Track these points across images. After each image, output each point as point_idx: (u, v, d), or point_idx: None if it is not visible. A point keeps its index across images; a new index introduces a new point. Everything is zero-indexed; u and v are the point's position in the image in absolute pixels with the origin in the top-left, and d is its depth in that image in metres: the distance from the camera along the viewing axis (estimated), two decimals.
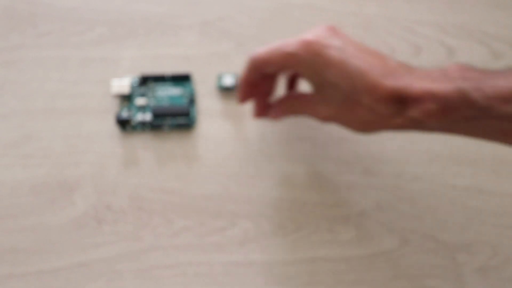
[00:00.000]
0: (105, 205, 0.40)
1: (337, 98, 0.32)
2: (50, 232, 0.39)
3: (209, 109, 0.42)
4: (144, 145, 0.41)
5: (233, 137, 0.42)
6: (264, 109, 0.38)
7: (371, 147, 0.42)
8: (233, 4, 0.44)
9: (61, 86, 0.42)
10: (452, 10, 0.44)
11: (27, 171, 0.40)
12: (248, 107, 0.42)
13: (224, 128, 0.42)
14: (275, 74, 0.36)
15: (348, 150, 0.42)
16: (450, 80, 0.29)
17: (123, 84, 0.41)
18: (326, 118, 0.34)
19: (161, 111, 0.41)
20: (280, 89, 0.42)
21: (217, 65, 0.43)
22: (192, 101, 0.42)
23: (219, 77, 0.42)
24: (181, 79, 0.42)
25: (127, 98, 0.42)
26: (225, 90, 0.42)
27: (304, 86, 0.42)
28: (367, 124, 0.32)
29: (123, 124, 0.41)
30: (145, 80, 0.42)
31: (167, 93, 0.42)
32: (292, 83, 0.39)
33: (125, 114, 0.41)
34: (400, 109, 0.30)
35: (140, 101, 0.42)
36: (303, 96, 0.35)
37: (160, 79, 0.42)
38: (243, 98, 0.37)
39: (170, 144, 0.41)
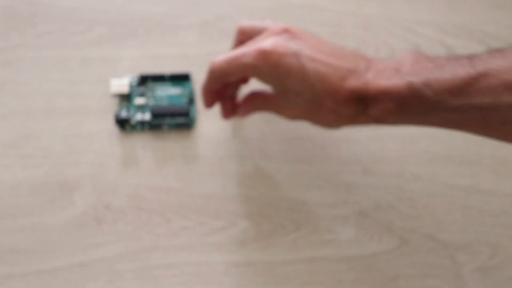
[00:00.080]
0: (104, 205, 0.40)
1: (301, 102, 0.32)
2: (49, 232, 0.39)
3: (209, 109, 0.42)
4: (144, 145, 0.41)
5: (233, 137, 0.42)
6: (232, 110, 0.38)
7: (371, 147, 0.42)
8: (232, 4, 0.44)
9: (60, 86, 0.42)
10: (452, 10, 0.44)
11: (26, 171, 0.40)
12: None
13: (223, 128, 0.42)
14: (237, 81, 0.37)
15: (348, 150, 0.42)
16: (402, 76, 0.30)
17: (122, 83, 0.41)
18: (292, 118, 0.35)
19: (161, 111, 0.41)
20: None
21: None
22: (191, 101, 0.42)
23: None
24: (181, 79, 0.42)
25: (126, 98, 0.42)
26: None
27: None
28: (333, 122, 0.33)
29: (123, 124, 0.41)
30: (145, 80, 0.42)
31: (167, 92, 0.42)
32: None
33: (124, 114, 0.41)
34: (361, 108, 0.31)
35: (139, 100, 0.41)
36: (267, 96, 0.36)
37: (159, 78, 0.42)
38: (208, 105, 0.37)
39: (169, 144, 0.41)
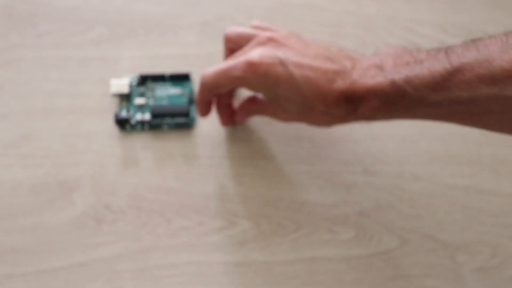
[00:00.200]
0: (104, 205, 0.40)
1: (293, 107, 0.34)
2: (49, 232, 0.39)
3: None
4: (144, 145, 0.41)
5: (233, 137, 0.42)
6: (229, 117, 0.40)
7: (371, 147, 0.42)
8: (232, 4, 0.44)
9: (60, 86, 0.42)
10: (452, 10, 0.44)
11: (26, 171, 0.40)
12: None
13: (223, 128, 0.42)
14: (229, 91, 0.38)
15: (348, 150, 0.41)
16: (385, 74, 0.30)
17: (122, 83, 0.41)
18: (286, 120, 0.36)
19: (161, 111, 0.41)
20: None
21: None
22: (191, 101, 0.42)
23: None
24: (181, 79, 0.42)
25: (126, 98, 0.42)
26: None
27: None
28: (325, 122, 0.34)
29: (122, 123, 0.41)
30: (144, 80, 0.42)
31: (167, 92, 0.42)
32: None
33: (124, 113, 0.41)
34: (351, 108, 0.32)
35: (139, 100, 0.41)
36: (262, 102, 0.37)
37: (159, 78, 0.42)
38: (203, 115, 0.38)
39: (169, 143, 0.41)
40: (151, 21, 0.44)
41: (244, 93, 0.42)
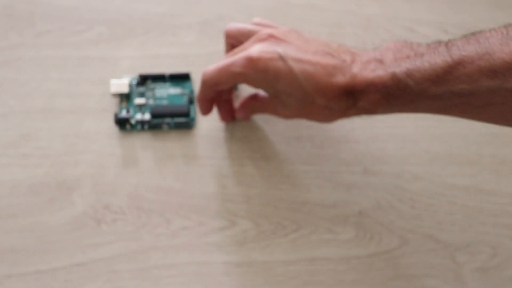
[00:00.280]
0: (104, 205, 0.40)
1: (293, 102, 0.34)
2: (48, 232, 0.39)
3: None
4: (143, 145, 0.41)
5: (233, 137, 0.42)
6: (229, 113, 0.40)
7: (371, 147, 0.42)
8: (232, 3, 0.44)
9: (60, 86, 0.42)
10: (452, 9, 0.44)
11: (25, 170, 0.40)
12: None
13: (223, 128, 0.42)
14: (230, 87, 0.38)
15: (348, 150, 0.41)
16: (386, 67, 0.31)
17: (122, 83, 0.41)
18: (288, 117, 0.36)
19: (160, 111, 0.41)
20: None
21: None
22: (191, 101, 0.42)
23: None
24: (181, 79, 0.42)
25: (126, 98, 0.42)
26: None
27: None
28: (326, 117, 0.34)
29: (122, 123, 0.41)
30: (144, 80, 0.42)
31: (166, 92, 0.42)
32: None
33: (124, 113, 0.41)
34: (351, 101, 0.32)
35: (139, 100, 0.41)
36: (263, 99, 0.37)
37: (159, 78, 0.42)
38: (204, 113, 0.39)
39: (169, 143, 0.41)
40: (151, 21, 0.44)
41: (245, 92, 0.42)
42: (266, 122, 0.42)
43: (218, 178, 0.41)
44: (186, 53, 0.43)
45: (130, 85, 0.42)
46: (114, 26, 0.43)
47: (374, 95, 0.31)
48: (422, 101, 0.30)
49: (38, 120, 0.41)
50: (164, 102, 0.42)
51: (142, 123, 0.41)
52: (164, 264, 0.39)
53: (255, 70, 0.33)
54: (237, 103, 0.42)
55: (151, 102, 0.42)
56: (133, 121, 0.41)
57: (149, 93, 0.42)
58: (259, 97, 0.38)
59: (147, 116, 0.41)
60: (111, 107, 0.42)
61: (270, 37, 0.33)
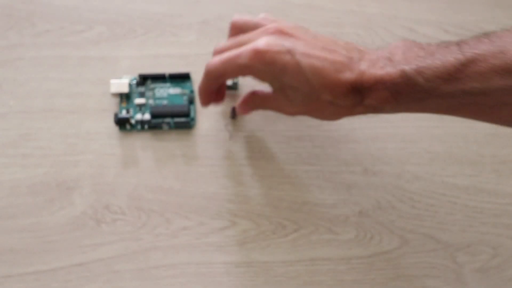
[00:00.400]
0: (104, 205, 0.40)
1: (299, 97, 0.33)
2: (48, 232, 0.39)
3: (209, 109, 0.42)
4: (143, 145, 0.41)
5: (233, 137, 0.41)
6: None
7: (371, 147, 0.42)
8: (232, 3, 0.44)
9: (59, 86, 0.42)
10: (452, 9, 0.44)
11: (25, 171, 0.40)
12: None
13: (223, 128, 0.42)
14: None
15: (348, 150, 0.41)
16: (395, 64, 0.30)
17: (122, 83, 0.41)
18: (291, 114, 0.35)
19: (160, 111, 0.40)
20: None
21: None
22: (191, 101, 0.42)
23: None
24: (181, 79, 0.42)
25: (126, 98, 0.42)
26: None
27: None
28: (331, 114, 0.34)
29: (122, 123, 0.40)
30: (144, 79, 0.42)
31: (166, 92, 0.42)
32: None
33: (124, 113, 0.41)
34: (358, 98, 0.32)
35: (139, 100, 0.41)
36: (266, 94, 0.36)
37: (159, 78, 0.42)
38: (205, 104, 0.37)
39: (169, 143, 0.41)
40: (151, 20, 0.44)
41: (245, 91, 0.42)
42: (266, 122, 0.42)
43: (218, 178, 0.41)
44: (186, 53, 0.43)
45: (130, 85, 0.42)
46: (114, 26, 0.43)
47: (382, 92, 0.30)
48: (432, 100, 0.30)
49: (38, 120, 0.41)
50: (164, 102, 0.42)
51: (142, 123, 0.41)
52: (164, 264, 0.39)
53: (262, 63, 0.32)
54: (235, 103, 0.42)
55: (151, 102, 0.42)
56: (133, 121, 0.41)
57: (149, 93, 0.42)
58: (262, 92, 0.37)
59: (147, 116, 0.41)
60: (111, 107, 0.42)
61: (278, 30, 0.33)
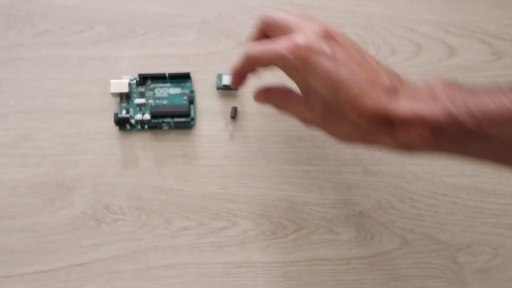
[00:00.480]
0: (104, 205, 0.40)
1: (320, 106, 0.31)
2: (48, 232, 0.39)
3: (209, 109, 0.42)
4: (143, 145, 0.41)
5: (233, 137, 0.41)
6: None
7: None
8: (232, 3, 0.44)
9: (59, 86, 0.42)
10: (453, 9, 0.44)
11: (25, 171, 0.40)
12: (247, 108, 0.42)
13: (223, 128, 0.42)
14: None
15: (348, 150, 0.41)
16: (438, 102, 0.28)
17: (122, 83, 0.41)
18: (308, 122, 0.34)
19: (160, 111, 0.40)
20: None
21: (216, 65, 0.43)
22: (191, 100, 0.42)
23: (219, 77, 0.41)
24: (181, 79, 0.42)
25: (126, 98, 0.42)
26: (224, 90, 0.42)
27: None
28: (348, 136, 0.32)
29: (122, 123, 0.40)
30: (144, 79, 0.42)
31: (167, 92, 0.42)
32: None
33: (124, 113, 0.41)
34: (387, 128, 0.29)
35: (139, 100, 0.41)
36: (289, 94, 0.35)
37: (159, 78, 0.42)
38: (235, 85, 0.36)
39: (169, 143, 0.41)
40: (150, 20, 0.43)
41: (247, 91, 0.42)
42: (266, 122, 0.42)
43: (218, 178, 0.40)
44: (186, 53, 0.43)
45: (130, 85, 0.42)
46: (114, 26, 0.43)
47: (421, 130, 0.28)
48: (479, 144, 0.28)
49: (38, 120, 0.41)
50: (164, 102, 0.42)
51: (142, 123, 0.41)
52: (164, 264, 0.39)
53: (296, 58, 0.30)
54: (236, 103, 0.42)
55: (151, 102, 0.42)
56: (133, 121, 0.41)
57: (149, 93, 0.42)
58: (286, 91, 0.35)
59: (147, 116, 0.41)
60: (111, 107, 0.42)
61: (325, 32, 0.31)
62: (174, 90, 0.42)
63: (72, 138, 0.41)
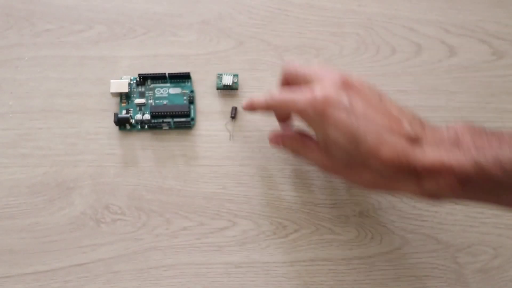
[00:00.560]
0: (103, 205, 0.40)
1: (341, 156, 0.31)
2: (48, 233, 0.39)
3: (209, 109, 0.42)
4: (143, 145, 0.41)
5: (233, 137, 0.41)
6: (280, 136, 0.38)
7: None
8: (232, 3, 0.44)
9: (59, 85, 0.42)
10: (453, 8, 0.44)
11: (25, 171, 0.40)
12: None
13: (223, 128, 0.42)
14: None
15: None
16: (464, 150, 0.28)
17: (122, 83, 0.41)
18: (328, 169, 0.34)
19: (160, 111, 0.40)
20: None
21: (216, 65, 0.43)
22: (191, 100, 0.42)
23: (219, 77, 0.41)
24: (181, 79, 0.42)
25: (126, 98, 0.42)
26: (224, 90, 0.42)
27: None
28: (375, 184, 0.32)
29: (122, 123, 0.40)
30: (144, 79, 0.42)
31: (167, 92, 0.42)
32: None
33: (124, 113, 0.41)
34: (412, 177, 0.29)
35: (139, 100, 0.41)
36: (306, 141, 0.35)
37: (159, 78, 0.42)
38: (246, 109, 0.37)
39: (169, 143, 0.41)
40: (150, 20, 0.43)
41: (245, 90, 0.42)
42: (266, 122, 0.42)
43: (218, 178, 0.40)
44: (186, 53, 0.43)
45: (130, 85, 0.42)
46: (114, 25, 0.43)
47: (448, 179, 0.28)
48: (507, 193, 0.27)
49: (38, 120, 0.41)
50: (164, 102, 0.41)
51: (142, 123, 0.41)
52: (164, 264, 0.39)
53: (315, 111, 0.31)
54: (236, 103, 0.42)
55: (151, 102, 0.42)
56: (133, 121, 0.41)
57: (149, 93, 0.42)
58: (305, 138, 0.35)
59: (147, 116, 0.41)
60: (111, 107, 0.42)
61: (344, 82, 0.31)
62: (174, 90, 0.42)
63: (72, 138, 0.41)
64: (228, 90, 0.42)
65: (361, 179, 0.32)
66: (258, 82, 0.42)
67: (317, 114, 0.31)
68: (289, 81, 0.35)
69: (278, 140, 0.37)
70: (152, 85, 0.42)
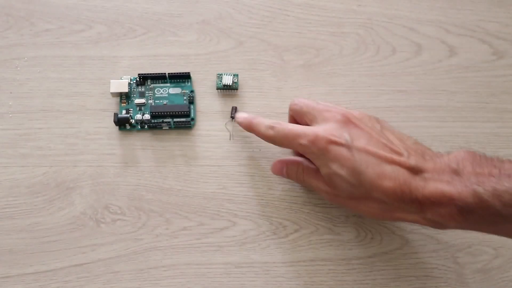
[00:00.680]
0: (103, 205, 0.40)
1: (345, 187, 0.32)
2: (48, 233, 0.39)
3: (209, 109, 0.42)
4: (143, 145, 0.41)
5: (233, 137, 0.41)
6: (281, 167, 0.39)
7: None
8: (232, 3, 0.44)
9: (59, 85, 0.42)
10: (453, 8, 0.44)
11: (24, 171, 0.40)
12: (248, 108, 0.42)
13: (223, 128, 0.41)
14: None
15: None
16: (465, 181, 0.28)
17: (122, 83, 0.41)
18: (331, 199, 0.35)
19: (160, 111, 0.40)
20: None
21: (216, 65, 0.42)
22: (191, 100, 0.41)
23: (219, 77, 0.41)
24: (181, 79, 0.42)
25: (125, 98, 0.42)
26: (224, 90, 0.42)
27: None
28: (380, 214, 0.33)
29: (122, 123, 0.40)
30: (144, 79, 0.42)
31: (166, 92, 0.42)
32: None
33: (123, 113, 0.41)
34: (415, 207, 0.30)
35: (139, 100, 0.41)
36: (309, 170, 0.36)
37: (159, 78, 0.42)
38: (243, 126, 0.38)
39: (169, 143, 0.41)
40: (150, 20, 0.43)
41: (245, 92, 0.42)
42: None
43: (218, 178, 0.40)
44: (186, 53, 0.43)
45: (130, 85, 0.41)
46: (114, 25, 0.43)
47: (448, 208, 0.29)
48: (506, 224, 0.28)
49: (37, 120, 0.41)
50: (164, 102, 0.41)
51: (142, 123, 0.41)
52: (164, 264, 0.39)
53: (317, 148, 0.32)
54: (236, 103, 0.42)
55: (151, 102, 0.41)
56: (133, 121, 0.41)
57: (149, 93, 0.42)
58: (308, 166, 0.36)
59: (147, 116, 0.41)
60: (111, 107, 0.42)
61: (345, 118, 0.33)
62: (174, 90, 0.42)
63: (72, 138, 0.41)
64: (228, 90, 0.42)
65: (366, 210, 0.33)
66: (258, 82, 0.42)
67: (319, 151, 0.32)
68: (296, 118, 0.37)
69: (280, 170, 0.39)
70: (152, 85, 0.42)
